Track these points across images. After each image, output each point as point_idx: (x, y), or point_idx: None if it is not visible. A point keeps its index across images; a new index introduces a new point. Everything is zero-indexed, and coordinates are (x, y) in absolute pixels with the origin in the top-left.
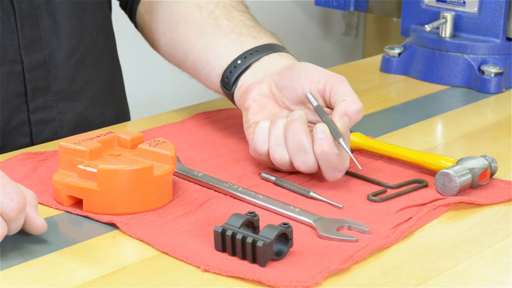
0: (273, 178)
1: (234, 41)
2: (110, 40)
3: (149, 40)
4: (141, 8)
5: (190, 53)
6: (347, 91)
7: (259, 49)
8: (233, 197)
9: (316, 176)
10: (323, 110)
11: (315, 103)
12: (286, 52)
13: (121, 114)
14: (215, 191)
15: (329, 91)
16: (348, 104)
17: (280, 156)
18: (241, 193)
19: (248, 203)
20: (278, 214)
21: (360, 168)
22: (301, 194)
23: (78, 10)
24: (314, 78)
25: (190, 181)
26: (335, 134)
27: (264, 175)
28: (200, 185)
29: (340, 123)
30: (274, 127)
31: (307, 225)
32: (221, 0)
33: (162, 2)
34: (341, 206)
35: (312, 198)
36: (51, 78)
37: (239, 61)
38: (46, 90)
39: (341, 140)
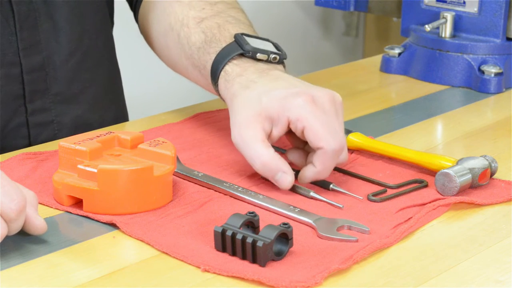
0: None
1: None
2: (109, 43)
3: (146, 41)
4: (141, 10)
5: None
6: (316, 133)
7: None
8: (233, 197)
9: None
10: None
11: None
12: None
13: (119, 116)
14: (215, 191)
15: (300, 132)
16: (325, 153)
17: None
18: (241, 193)
19: (248, 203)
20: (278, 214)
21: (342, 206)
22: (301, 194)
23: (77, 13)
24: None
25: (190, 181)
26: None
27: None
28: (200, 185)
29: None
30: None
31: (307, 225)
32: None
33: (155, 3)
34: (341, 206)
35: (312, 198)
36: (50, 81)
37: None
38: (44, 92)
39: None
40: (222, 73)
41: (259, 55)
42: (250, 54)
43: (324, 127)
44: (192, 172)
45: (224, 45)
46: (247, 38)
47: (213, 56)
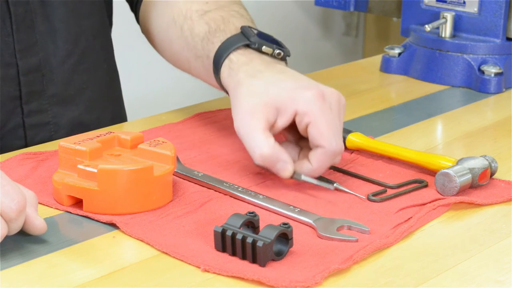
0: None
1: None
2: (107, 44)
3: (147, 38)
4: (142, 9)
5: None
6: (320, 131)
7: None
8: (233, 197)
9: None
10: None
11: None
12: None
13: (117, 118)
14: (215, 191)
15: (304, 126)
16: (325, 153)
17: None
18: (241, 193)
19: (248, 203)
20: (278, 214)
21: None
22: (324, 186)
23: (74, 14)
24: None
25: (190, 181)
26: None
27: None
28: (200, 185)
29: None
30: None
31: (307, 225)
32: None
33: (156, 1)
34: (364, 197)
35: (336, 189)
36: (46, 82)
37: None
38: (41, 93)
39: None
40: (226, 61)
41: (264, 48)
42: (256, 46)
43: (329, 126)
44: (192, 172)
45: (229, 35)
46: (253, 31)
47: (217, 45)
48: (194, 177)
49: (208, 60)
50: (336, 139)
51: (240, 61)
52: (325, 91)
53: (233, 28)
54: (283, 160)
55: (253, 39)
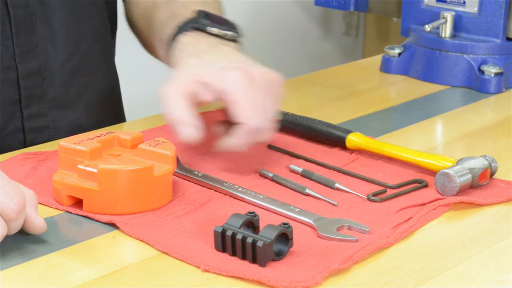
0: (270, 175)
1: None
2: (108, 47)
3: (133, 31)
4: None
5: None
6: (241, 108)
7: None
8: (233, 197)
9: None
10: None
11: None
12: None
13: (117, 121)
14: (215, 191)
15: (228, 104)
16: (245, 129)
17: None
18: (241, 193)
19: (248, 203)
20: (278, 214)
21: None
22: (297, 191)
23: (74, 17)
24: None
25: (190, 181)
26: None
27: (262, 171)
28: (200, 185)
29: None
30: None
31: (307, 225)
32: None
33: None
34: (335, 203)
35: (307, 195)
36: (46, 86)
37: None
38: (40, 97)
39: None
40: (176, 43)
41: (212, 29)
42: (203, 27)
43: (251, 104)
44: (192, 172)
45: (184, 20)
46: (206, 15)
47: (171, 30)
48: (194, 177)
49: (165, 45)
50: (259, 116)
51: (187, 42)
52: (252, 72)
53: (189, 13)
54: (188, 124)
55: (202, 21)
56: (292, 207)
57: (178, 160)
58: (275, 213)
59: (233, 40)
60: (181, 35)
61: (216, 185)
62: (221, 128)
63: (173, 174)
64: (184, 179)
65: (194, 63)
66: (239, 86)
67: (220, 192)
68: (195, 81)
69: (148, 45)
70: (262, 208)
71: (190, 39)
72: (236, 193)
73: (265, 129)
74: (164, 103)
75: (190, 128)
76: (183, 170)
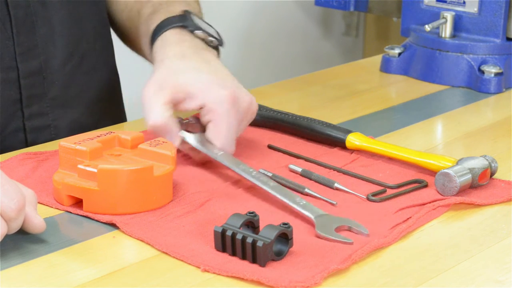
0: (270, 175)
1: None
2: (108, 47)
3: (116, 32)
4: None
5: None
6: (218, 133)
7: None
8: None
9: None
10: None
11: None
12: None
13: (117, 121)
14: (228, 173)
15: (206, 120)
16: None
17: None
18: (253, 178)
19: (257, 189)
20: (282, 203)
21: None
22: (296, 191)
23: (75, 17)
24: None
25: (206, 160)
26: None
27: (262, 171)
28: (217, 165)
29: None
30: None
31: (307, 220)
32: None
33: None
34: (334, 203)
35: (307, 194)
36: (47, 85)
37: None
38: (41, 96)
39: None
40: (160, 37)
41: (197, 32)
42: (191, 29)
43: (226, 130)
44: (212, 151)
45: (169, 15)
46: (193, 16)
47: (156, 23)
48: (212, 156)
49: (147, 38)
50: (228, 141)
51: (172, 39)
52: (239, 95)
53: (173, 11)
54: (171, 133)
55: (190, 22)
56: (298, 198)
57: (200, 139)
58: (279, 202)
59: (215, 47)
60: (167, 31)
61: (231, 167)
62: (193, 119)
63: (191, 150)
64: (202, 157)
65: (178, 67)
66: (223, 109)
67: (231, 176)
68: (181, 90)
69: (129, 39)
70: (266, 196)
71: (176, 37)
72: (249, 177)
73: (225, 150)
74: (146, 109)
75: (174, 139)
76: (203, 146)
